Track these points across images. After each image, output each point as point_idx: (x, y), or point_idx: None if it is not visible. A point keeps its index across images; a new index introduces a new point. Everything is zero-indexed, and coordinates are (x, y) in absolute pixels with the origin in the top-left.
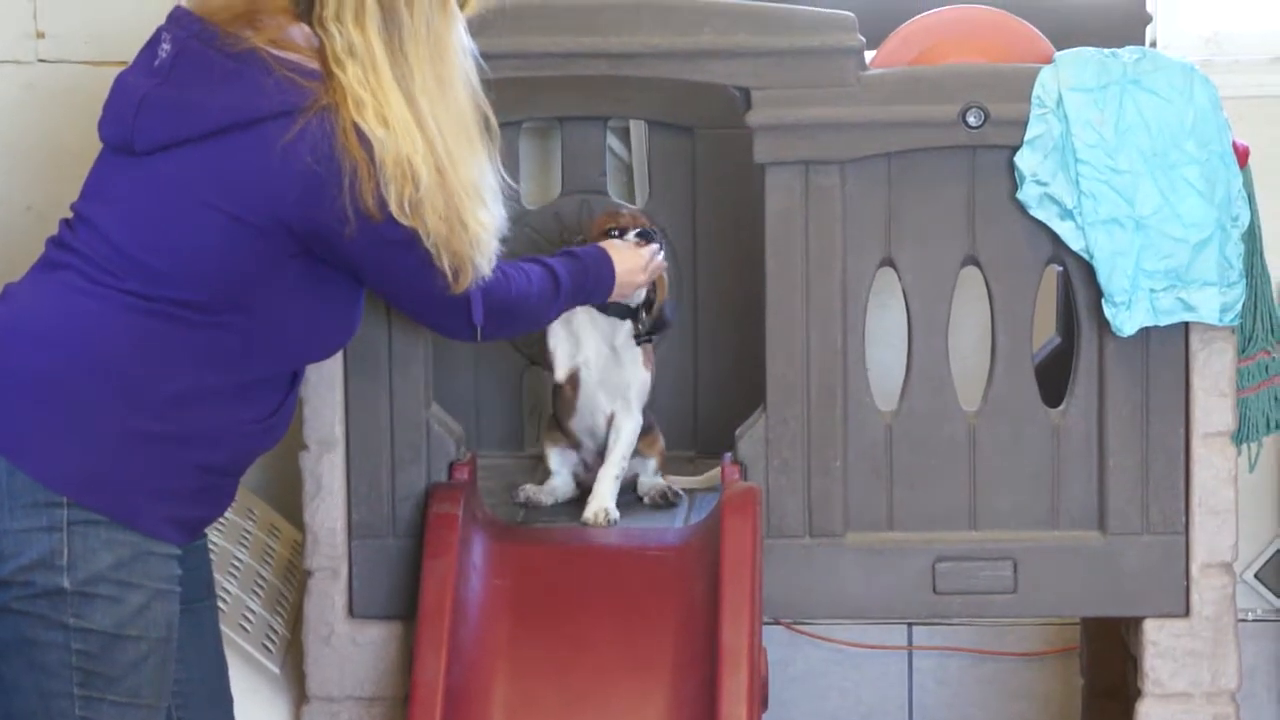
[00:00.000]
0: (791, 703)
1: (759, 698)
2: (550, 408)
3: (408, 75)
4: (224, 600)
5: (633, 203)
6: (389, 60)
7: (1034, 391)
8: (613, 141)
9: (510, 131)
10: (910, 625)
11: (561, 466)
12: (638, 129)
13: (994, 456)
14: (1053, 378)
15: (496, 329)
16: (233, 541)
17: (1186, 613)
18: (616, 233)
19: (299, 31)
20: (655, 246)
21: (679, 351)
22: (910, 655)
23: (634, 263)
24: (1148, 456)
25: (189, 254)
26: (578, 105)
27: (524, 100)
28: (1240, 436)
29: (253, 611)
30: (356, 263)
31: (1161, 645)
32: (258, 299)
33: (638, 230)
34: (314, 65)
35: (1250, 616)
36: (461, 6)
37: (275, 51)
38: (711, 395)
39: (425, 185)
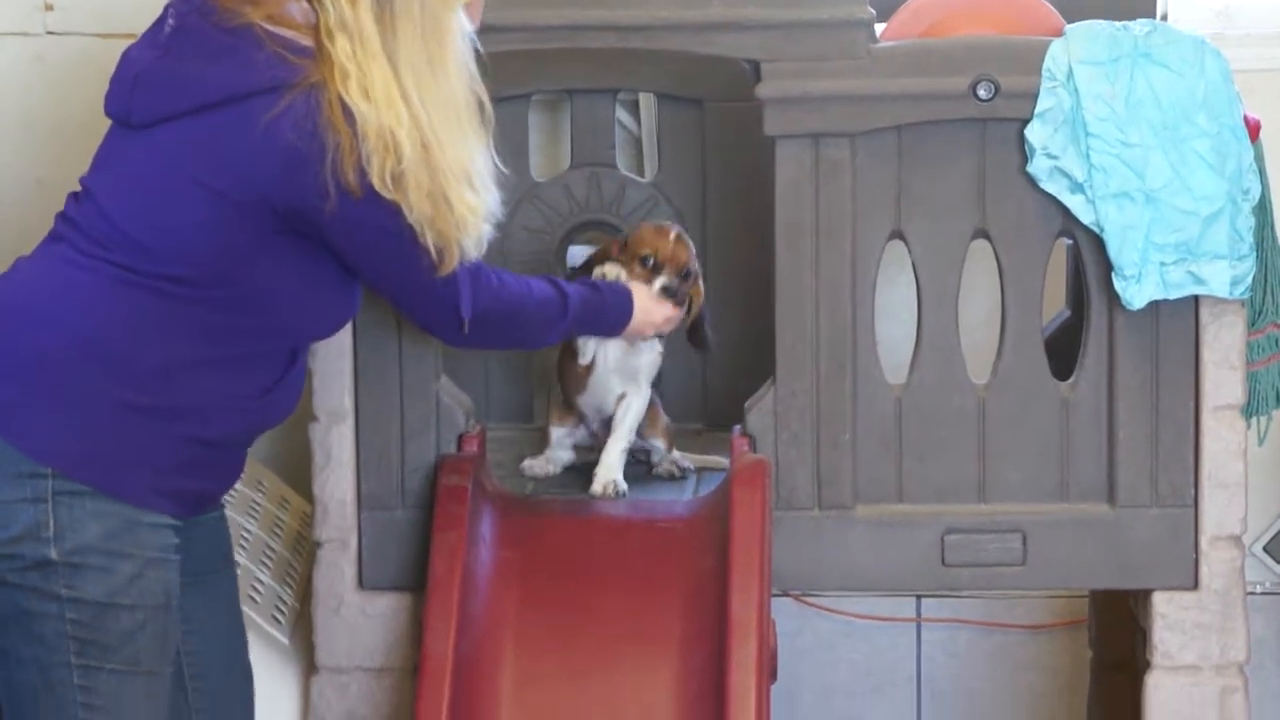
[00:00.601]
0: (800, 675)
1: (768, 669)
2: (558, 384)
3: (396, 51)
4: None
5: (642, 175)
6: (378, 35)
7: (1043, 364)
8: (622, 114)
9: (519, 104)
10: (919, 597)
11: (564, 439)
12: (647, 102)
13: (1003, 429)
14: (1062, 351)
15: (485, 330)
16: (242, 513)
17: (1195, 585)
18: (650, 262)
19: (297, 8)
20: (680, 312)
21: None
22: (919, 627)
23: (654, 315)
24: (1157, 429)
25: (176, 229)
26: (587, 78)
27: (533, 73)
28: (1250, 410)
29: (262, 583)
30: (339, 242)
31: (1170, 618)
32: (243, 276)
33: (663, 285)
34: (307, 42)
35: (1259, 589)
36: None
37: (270, 28)
38: (720, 368)
39: (408, 159)
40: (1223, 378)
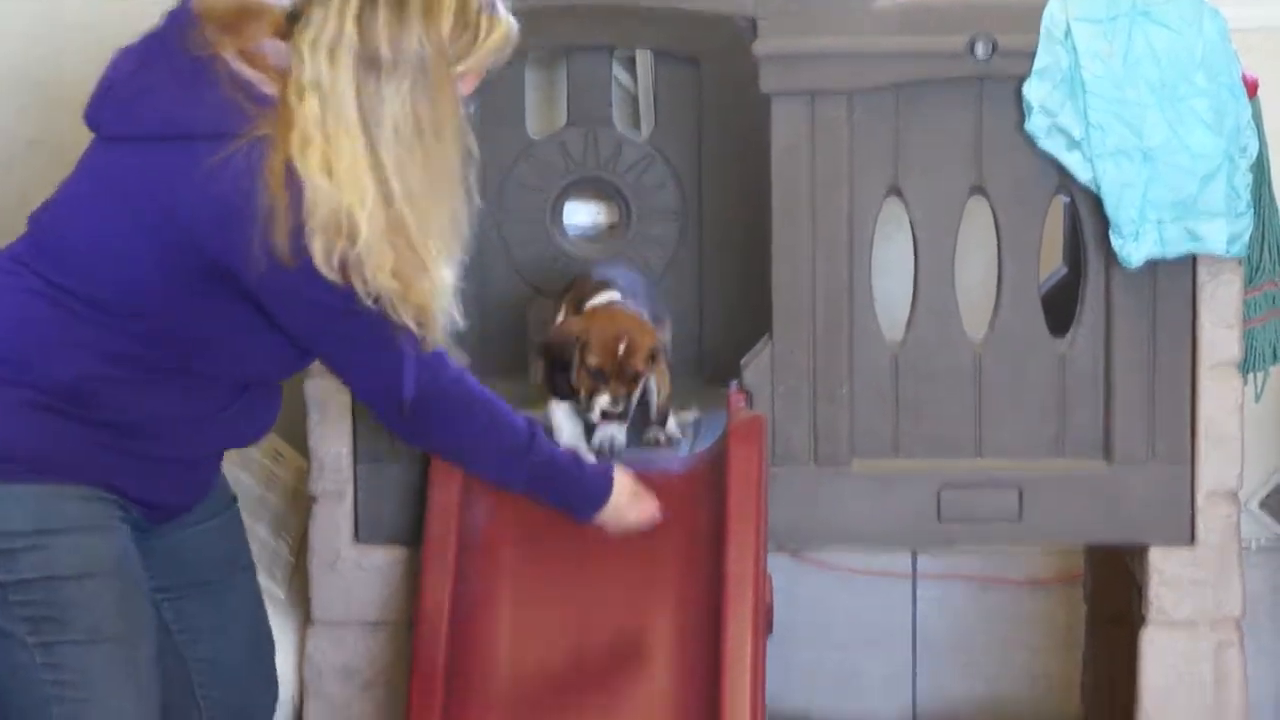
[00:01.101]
0: (796, 629)
1: (764, 622)
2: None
3: (381, 117)
4: None
5: (638, 132)
6: (357, 101)
7: (1040, 321)
8: (618, 72)
9: (515, 62)
10: (915, 552)
11: (568, 420)
12: (644, 59)
13: (1000, 386)
14: (1059, 308)
15: (427, 423)
16: (237, 467)
17: (1191, 541)
18: (600, 376)
19: (274, 47)
20: (656, 514)
21: (685, 282)
22: (915, 582)
23: (627, 514)
24: (1154, 386)
25: (102, 252)
26: (583, 35)
27: (529, 29)
28: (1246, 367)
29: (258, 537)
30: (268, 305)
31: (1166, 573)
32: (161, 313)
33: (603, 409)
34: (269, 90)
35: (1254, 545)
36: (458, 58)
37: (236, 66)
38: (717, 324)
39: (366, 241)
40: (1220, 335)
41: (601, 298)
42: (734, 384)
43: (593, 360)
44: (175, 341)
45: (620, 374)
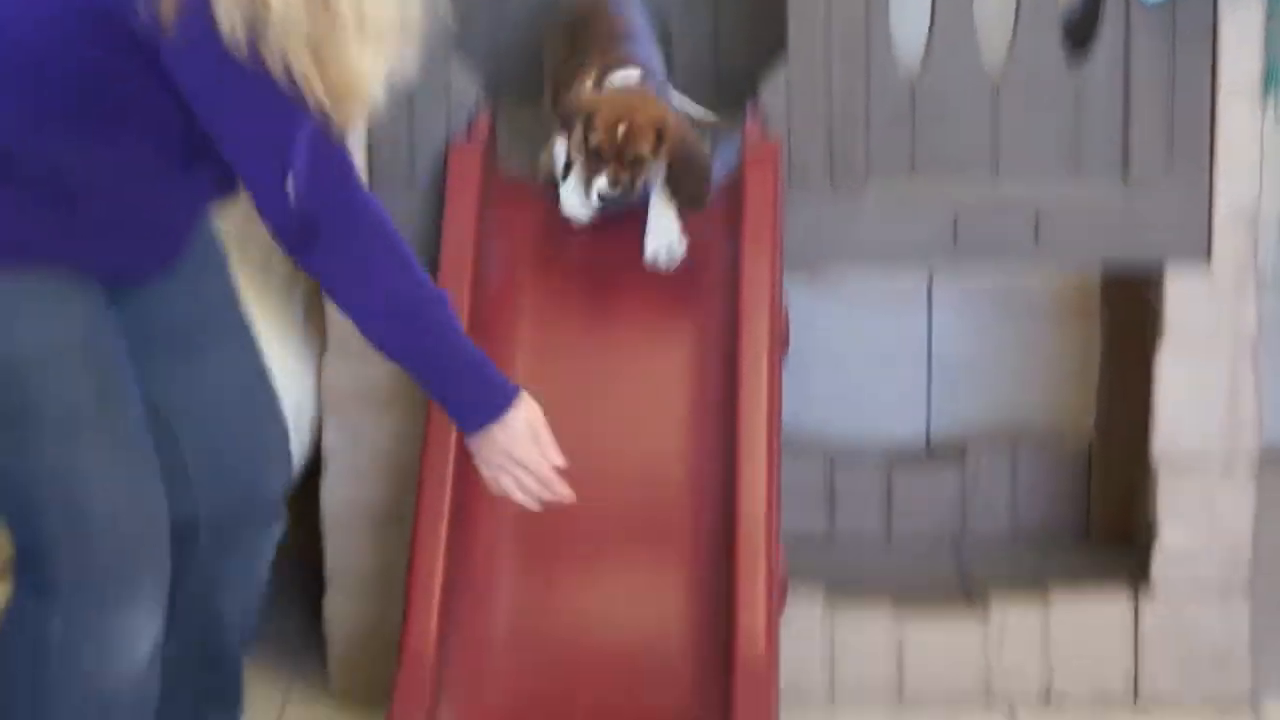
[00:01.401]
0: (811, 350)
1: (779, 341)
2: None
3: None
4: (245, 264)
5: None
6: None
7: (1058, 48)
8: None
9: None
10: (931, 276)
11: (575, 196)
12: None
13: (1017, 111)
14: (1078, 36)
15: (319, 236)
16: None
17: (1208, 263)
18: (598, 154)
19: None
20: (551, 475)
21: (701, 3)
22: (930, 305)
23: (520, 447)
24: (1173, 109)
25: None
26: None
27: None
28: (1267, 91)
29: (274, 269)
30: (163, 64)
31: (1181, 295)
32: (76, 73)
33: (600, 191)
34: None
35: (1271, 272)
36: None
37: None
38: (733, 46)
39: (281, 12)
40: (1242, 59)
41: (619, 78)
42: (749, 106)
43: (593, 140)
44: (95, 105)
45: (620, 156)
